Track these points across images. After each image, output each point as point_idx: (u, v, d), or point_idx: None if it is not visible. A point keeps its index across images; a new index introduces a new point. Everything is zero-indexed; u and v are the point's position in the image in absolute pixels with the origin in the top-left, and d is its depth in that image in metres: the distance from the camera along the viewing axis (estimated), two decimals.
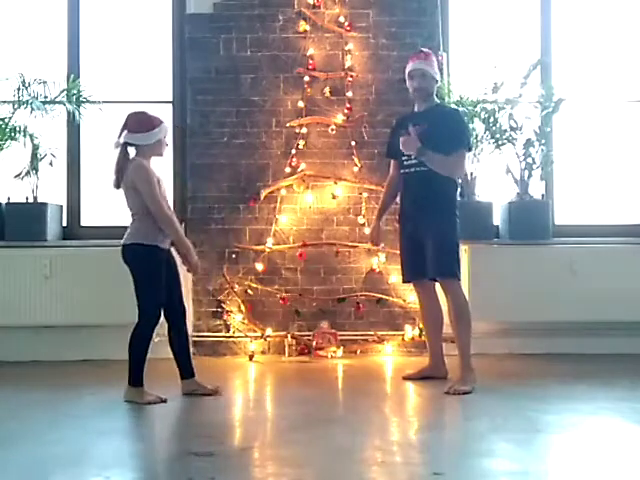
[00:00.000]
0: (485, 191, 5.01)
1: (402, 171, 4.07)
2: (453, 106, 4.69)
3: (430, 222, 3.92)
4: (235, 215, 4.96)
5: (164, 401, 3.50)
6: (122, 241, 3.63)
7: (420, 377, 4.11)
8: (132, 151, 3.63)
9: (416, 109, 4.13)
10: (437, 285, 4.05)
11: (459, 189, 4.13)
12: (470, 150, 4.13)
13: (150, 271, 3.58)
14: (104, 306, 4.56)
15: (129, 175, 3.56)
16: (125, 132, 3.58)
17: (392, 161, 4.22)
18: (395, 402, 3.74)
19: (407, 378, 4.13)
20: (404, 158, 4.02)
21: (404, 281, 4.21)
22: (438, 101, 4.20)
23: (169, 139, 4.99)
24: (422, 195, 3.97)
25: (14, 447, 2.89)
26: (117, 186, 3.62)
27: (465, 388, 3.77)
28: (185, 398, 3.65)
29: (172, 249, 3.71)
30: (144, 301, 3.59)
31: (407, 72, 4.07)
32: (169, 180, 5.13)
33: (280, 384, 4.16)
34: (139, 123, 3.60)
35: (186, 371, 3.71)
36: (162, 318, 3.65)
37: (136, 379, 3.53)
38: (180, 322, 3.73)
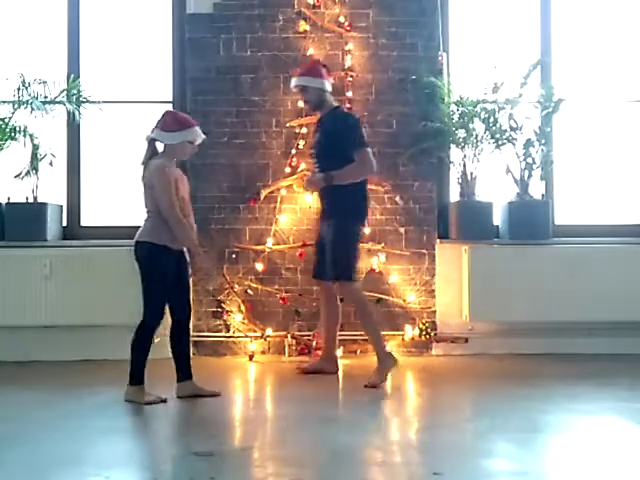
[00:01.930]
0: (485, 191, 5.01)
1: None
2: (346, 110, 4.65)
3: (326, 228, 4.16)
4: (235, 215, 4.95)
5: (164, 401, 3.50)
6: (135, 238, 3.66)
7: (313, 371, 4.27)
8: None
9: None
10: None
11: (365, 194, 4.20)
12: (367, 146, 4.14)
13: (158, 270, 3.59)
14: (104, 306, 4.56)
15: (148, 173, 3.60)
16: (156, 129, 3.64)
17: None
18: (395, 402, 3.74)
19: (303, 371, 4.29)
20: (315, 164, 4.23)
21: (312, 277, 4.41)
22: (335, 104, 4.29)
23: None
24: (324, 202, 4.24)
25: (14, 447, 2.89)
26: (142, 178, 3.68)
27: (375, 381, 3.90)
28: (185, 398, 3.64)
29: (185, 250, 3.72)
30: (149, 299, 3.60)
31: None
32: None
33: (280, 384, 4.16)
34: (168, 122, 3.64)
35: (184, 373, 3.69)
36: (165, 318, 3.65)
37: (137, 378, 3.53)
38: (185, 323, 3.74)
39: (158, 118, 3.69)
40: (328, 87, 4.22)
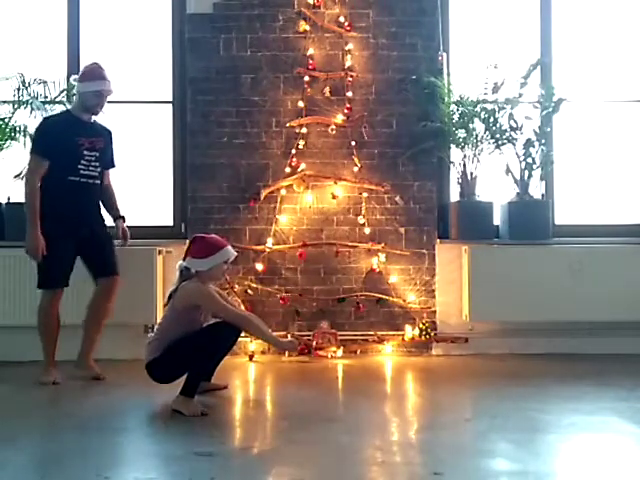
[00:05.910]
0: (485, 191, 5.01)
1: (73, 178, 4.09)
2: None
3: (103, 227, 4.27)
4: (235, 215, 4.95)
5: (205, 414, 3.34)
6: (145, 360, 3.55)
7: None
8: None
9: (84, 119, 4.19)
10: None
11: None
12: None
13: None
14: None
15: (183, 293, 3.52)
16: (188, 257, 3.59)
17: (45, 162, 4.07)
18: (395, 402, 3.74)
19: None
20: (81, 166, 4.11)
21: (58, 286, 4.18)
22: None
23: (171, 140, 5.02)
24: (96, 204, 4.27)
25: (14, 447, 2.89)
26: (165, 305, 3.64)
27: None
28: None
29: None
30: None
31: (98, 90, 4.11)
32: (169, 180, 5.14)
33: (280, 384, 4.16)
34: (200, 249, 3.58)
35: (210, 374, 3.81)
36: None
37: (191, 389, 3.41)
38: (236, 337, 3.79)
39: (187, 246, 3.65)
40: None
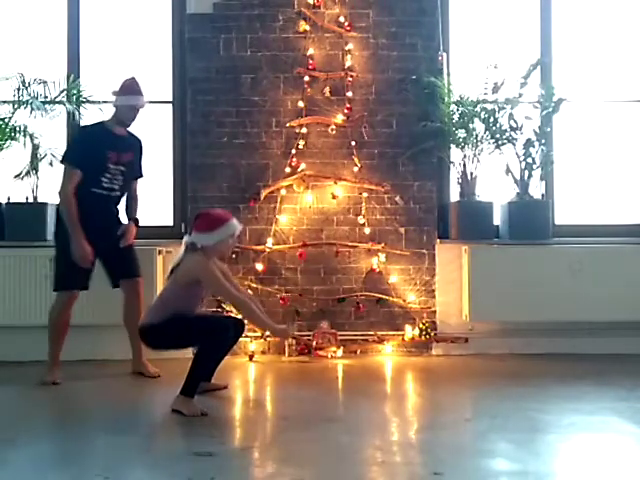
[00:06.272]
0: (485, 191, 5.01)
1: (95, 190, 4.12)
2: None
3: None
4: (235, 215, 4.89)
5: (205, 414, 3.35)
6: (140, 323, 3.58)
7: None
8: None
9: (117, 132, 4.22)
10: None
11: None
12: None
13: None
14: (104, 306, 4.55)
15: (187, 264, 3.51)
16: (193, 232, 3.57)
17: (79, 172, 4.09)
18: (395, 402, 3.74)
19: None
20: (104, 179, 4.14)
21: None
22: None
23: (171, 140, 5.02)
24: (116, 213, 4.32)
25: (14, 447, 2.89)
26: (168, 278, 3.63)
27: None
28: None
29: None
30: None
31: (135, 104, 4.17)
32: (169, 180, 5.14)
33: (280, 384, 4.16)
34: (204, 223, 3.56)
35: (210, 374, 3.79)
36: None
37: (191, 389, 3.40)
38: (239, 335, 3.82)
39: (192, 221, 3.64)
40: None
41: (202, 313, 3.72)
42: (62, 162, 4.18)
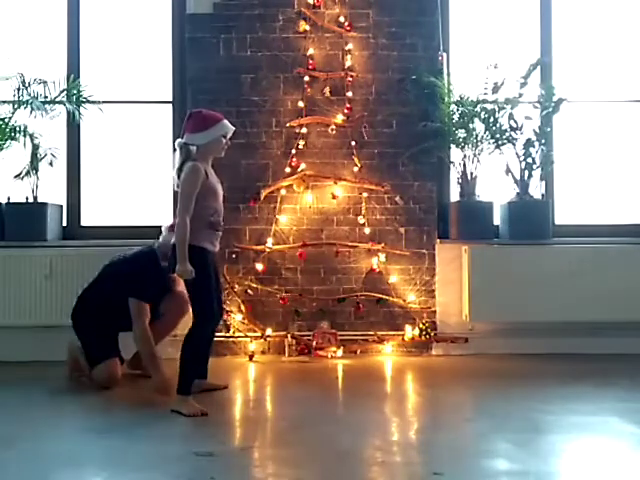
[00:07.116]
0: (485, 191, 5.01)
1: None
2: None
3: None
4: (235, 215, 4.95)
5: (205, 414, 3.34)
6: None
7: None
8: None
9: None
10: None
11: None
12: None
13: (202, 273, 3.39)
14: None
15: (183, 175, 3.46)
16: (186, 133, 3.52)
17: None
18: (395, 402, 3.74)
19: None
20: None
21: None
22: None
23: (171, 140, 5.02)
24: None
25: (14, 447, 2.89)
26: (177, 187, 3.54)
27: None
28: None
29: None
30: (199, 302, 3.43)
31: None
32: (169, 180, 5.13)
33: (280, 384, 4.16)
34: (197, 122, 3.51)
35: (204, 371, 3.78)
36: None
37: (186, 387, 3.39)
38: (217, 324, 3.78)
39: (184, 122, 3.57)
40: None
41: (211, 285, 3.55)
42: None
